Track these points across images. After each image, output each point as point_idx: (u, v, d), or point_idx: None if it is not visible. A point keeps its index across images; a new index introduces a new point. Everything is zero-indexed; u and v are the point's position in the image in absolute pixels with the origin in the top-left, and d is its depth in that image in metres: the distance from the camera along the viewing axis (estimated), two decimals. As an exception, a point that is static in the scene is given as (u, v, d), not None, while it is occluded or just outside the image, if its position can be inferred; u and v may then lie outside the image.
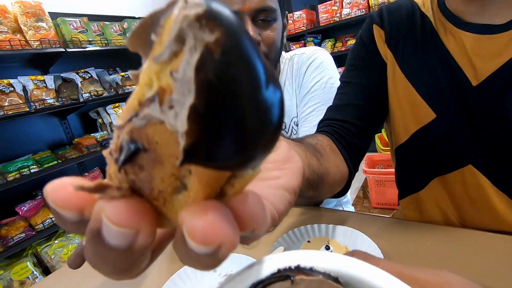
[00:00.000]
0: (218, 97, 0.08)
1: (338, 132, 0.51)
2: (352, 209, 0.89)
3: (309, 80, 0.69)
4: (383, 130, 0.61)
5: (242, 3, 0.59)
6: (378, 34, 0.54)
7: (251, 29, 0.61)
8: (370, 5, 2.43)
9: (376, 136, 2.12)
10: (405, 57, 0.52)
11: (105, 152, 0.11)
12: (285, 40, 0.72)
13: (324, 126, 0.54)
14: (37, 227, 1.60)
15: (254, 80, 0.09)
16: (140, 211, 0.10)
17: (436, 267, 0.42)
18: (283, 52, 0.74)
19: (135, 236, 0.10)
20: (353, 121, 0.53)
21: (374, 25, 0.55)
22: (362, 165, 1.76)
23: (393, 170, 0.65)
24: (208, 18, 0.08)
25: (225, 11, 0.09)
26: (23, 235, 1.54)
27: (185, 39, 0.08)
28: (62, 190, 0.10)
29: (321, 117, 0.66)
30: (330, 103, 0.67)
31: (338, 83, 0.69)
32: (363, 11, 2.46)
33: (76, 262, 0.39)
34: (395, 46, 0.53)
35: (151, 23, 0.10)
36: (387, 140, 0.62)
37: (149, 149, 0.10)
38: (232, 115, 0.09)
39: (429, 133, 0.51)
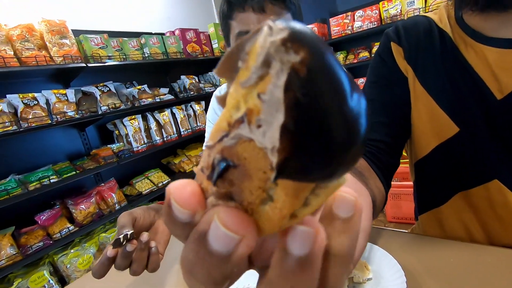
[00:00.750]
0: (307, 113, 0.09)
1: (370, 151, 0.51)
2: (368, 223, 0.87)
3: None
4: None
5: (258, 22, 0.61)
6: (397, 51, 0.55)
7: None
8: (382, 18, 2.44)
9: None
10: (425, 72, 0.52)
11: (196, 169, 0.12)
12: None
13: None
14: (54, 236, 1.63)
15: (340, 93, 0.09)
16: (247, 221, 0.11)
17: (460, 285, 0.41)
18: None
19: (238, 242, 0.11)
20: (382, 139, 0.52)
21: (391, 42, 0.55)
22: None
23: (409, 183, 0.64)
24: (293, 41, 0.09)
25: (308, 32, 0.09)
26: (41, 244, 1.58)
27: (271, 63, 0.09)
28: (184, 190, 0.11)
29: None
30: None
31: None
32: (375, 24, 2.48)
33: (100, 271, 0.40)
34: (415, 62, 0.53)
35: (237, 51, 0.11)
36: (403, 153, 0.61)
37: (238, 165, 0.11)
38: (322, 129, 0.09)
39: (452, 147, 0.51)
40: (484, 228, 0.52)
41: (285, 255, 0.11)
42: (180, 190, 0.11)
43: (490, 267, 0.43)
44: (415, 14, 2.17)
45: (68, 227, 1.69)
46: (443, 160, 0.53)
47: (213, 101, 0.86)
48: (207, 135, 0.87)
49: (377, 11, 2.46)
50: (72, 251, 1.72)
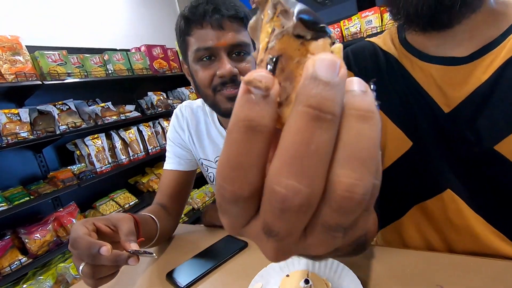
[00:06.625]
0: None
1: None
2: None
3: None
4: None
5: (217, 39, 0.60)
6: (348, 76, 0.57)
7: (227, 62, 0.61)
8: (344, 35, 2.57)
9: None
10: (376, 92, 0.54)
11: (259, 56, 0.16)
12: None
13: None
14: (3, 270, 1.46)
15: None
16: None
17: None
18: None
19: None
20: None
21: None
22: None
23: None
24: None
25: None
26: (-14, 281, 1.40)
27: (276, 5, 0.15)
28: (264, 73, 0.14)
29: None
30: None
31: None
32: (337, 41, 2.59)
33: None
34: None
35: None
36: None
37: (281, 54, 0.15)
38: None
39: (407, 161, 0.52)
40: (441, 237, 0.53)
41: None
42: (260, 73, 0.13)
43: (446, 273, 0.43)
44: (373, 32, 2.31)
45: (19, 259, 1.52)
46: (400, 174, 0.54)
47: (173, 120, 0.82)
48: (168, 154, 0.82)
49: (338, 29, 2.59)
50: (24, 286, 1.55)
